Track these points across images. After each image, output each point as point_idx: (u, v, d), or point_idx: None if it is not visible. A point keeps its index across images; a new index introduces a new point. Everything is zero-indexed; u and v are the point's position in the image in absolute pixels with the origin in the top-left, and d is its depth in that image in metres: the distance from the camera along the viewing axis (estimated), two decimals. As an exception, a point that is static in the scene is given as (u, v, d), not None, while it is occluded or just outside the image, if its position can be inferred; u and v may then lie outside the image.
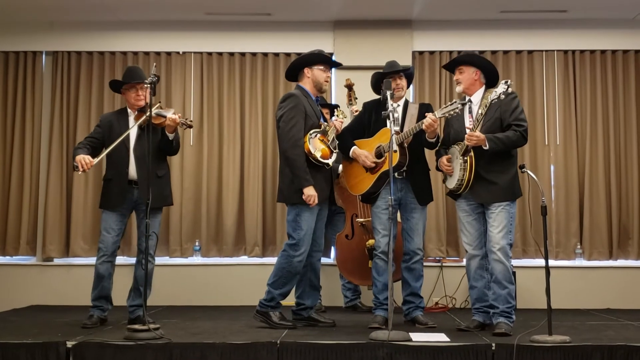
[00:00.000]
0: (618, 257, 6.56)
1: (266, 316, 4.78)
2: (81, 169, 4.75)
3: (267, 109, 6.77)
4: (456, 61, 4.85)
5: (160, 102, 5.36)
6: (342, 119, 5.41)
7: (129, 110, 5.07)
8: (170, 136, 4.93)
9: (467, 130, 4.57)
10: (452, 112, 4.58)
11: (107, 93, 6.76)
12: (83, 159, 4.77)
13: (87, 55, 6.84)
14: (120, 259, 5.60)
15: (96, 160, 4.83)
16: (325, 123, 4.98)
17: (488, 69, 4.78)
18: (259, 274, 5.87)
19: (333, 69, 5.78)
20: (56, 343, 4.04)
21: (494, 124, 4.59)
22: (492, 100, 4.44)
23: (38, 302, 6.44)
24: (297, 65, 4.99)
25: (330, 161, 4.84)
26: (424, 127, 4.65)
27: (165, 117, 4.89)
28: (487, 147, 4.47)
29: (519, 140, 4.55)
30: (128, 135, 4.94)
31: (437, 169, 4.86)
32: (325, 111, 5.90)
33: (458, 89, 4.80)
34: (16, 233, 6.69)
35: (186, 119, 4.98)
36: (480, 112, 4.53)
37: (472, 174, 4.56)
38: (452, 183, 4.68)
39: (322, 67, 4.94)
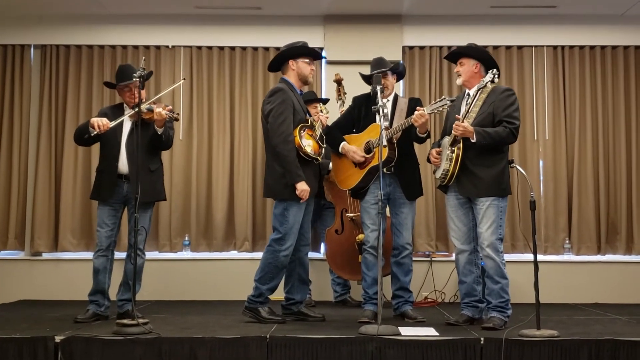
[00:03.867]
0: (606, 252, 6.59)
1: (255, 312, 4.78)
2: (97, 130, 4.75)
3: (257, 104, 6.74)
4: (456, 52, 4.83)
5: (184, 78, 5.27)
6: (326, 114, 5.39)
7: (124, 106, 5.07)
8: (159, 130, 4.91)
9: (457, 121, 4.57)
10: (440, 109, 4.58)
11: (96, 87, 6.73)
12: (100, 119, 4.80)
13: (76, 48, 6.80)
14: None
15: (113, 123, 4.80)
16: (312, 118, 4.98)
17: (489, 63, 4.72)
18: (248, 268, 5.84)
19: (324, 64, 5.79)
20: (44, 338, 4.03)
21: (486, 118, 4.57)
22: (479, 89, 4.45)
23: (26, 296, 6.41)
24: (282, 58, 4.97)
25: (319, 156, 4.84)
26: (412, 121, 4.65)
27: (152, 110, 4.87)
28: (474, 140, 4.46)
29: (508, 137, 4.53)
30: (121, 129, 4.93)
31: (428, 160, 4.87)
32: (316, 105, 5.89)
33: (458, 81, 4.78)
34: (4, 227, 6.66)
35: (172, 112, 4.96)
36: (469, 102, 4.54)
37: (457, 165, 4.55)
38: (438, 173, 4.69)
39: (307, 60, 4.93)
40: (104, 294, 5.00)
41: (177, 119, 5.04)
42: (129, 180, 4.91)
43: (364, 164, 4.89)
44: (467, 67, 4.72)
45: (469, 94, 4.72)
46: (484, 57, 4.76)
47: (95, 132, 4.77)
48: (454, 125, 4.49)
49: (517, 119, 4.57)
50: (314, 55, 5.00)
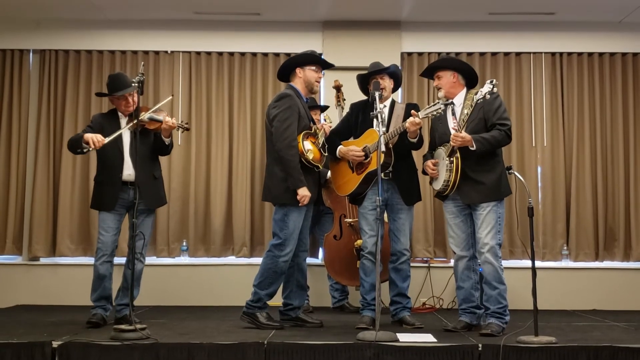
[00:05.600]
0: (604, 258, 6.59)
1: (253, 317, 4.77)
2: (92, 146, 4.69)
3: (256, 109, 6.76)
4: (431, 67, 4.89)
5: (172, 95, 5.28)
6: (329, 124, 5.39)
7: (119, 113, 5.03)
8: (167, 141, 4.92)
9: (453, 132, 4.58)
10: (435, 113, 4.60)
11: (94, 92, 6.72)
12: (94, 136, 4.72)
13: (75, 53, 6.81)
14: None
15: (107, 139, 4.74)
16: (315, 125, 4.99)
17: (464, 70, 4.79)
18: (246, 274, 5.85)
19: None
20: (42, 343, 4.02)
21: (478, 124, 4.61)
22: (477, 100, 4.46)
23: (24, 301, 6.40)
24: (289, 65, 4.99)
25: (320, 164, 4.85)
26: (406, 126, 4.66)
27: (159, 121, 4.86)
28: (474, 148, 4.48)
29: (504, 139, 4.58)
30: (121, 139, 4.90)
31: (424, 172, 4.87)
32: (315, 112, 5.90)
33: (440, 94, 4.81)
34: (2, 232, 6.64)
35: (182, 122, 4.97)
36: (465, 112, 4.55)
37: (458, 174, 4.57)
38: (438, 184, 4.69)
39: (313, 68, 4.95)
40: (109, 299, 5.00)
41: (187, 129, 5.04)
42: (134, 187, 4.86)
43: (361, 170, 4.89)
44: (445, 79, 4.77)
45: (453, 103, 4.74)
46: (459, 65, 4.80)
47: (90, 149, 4.74)
48: (452, 137, 4.51)
49: (507, 119, 4.63)
50: (321, 63, 5.01)
